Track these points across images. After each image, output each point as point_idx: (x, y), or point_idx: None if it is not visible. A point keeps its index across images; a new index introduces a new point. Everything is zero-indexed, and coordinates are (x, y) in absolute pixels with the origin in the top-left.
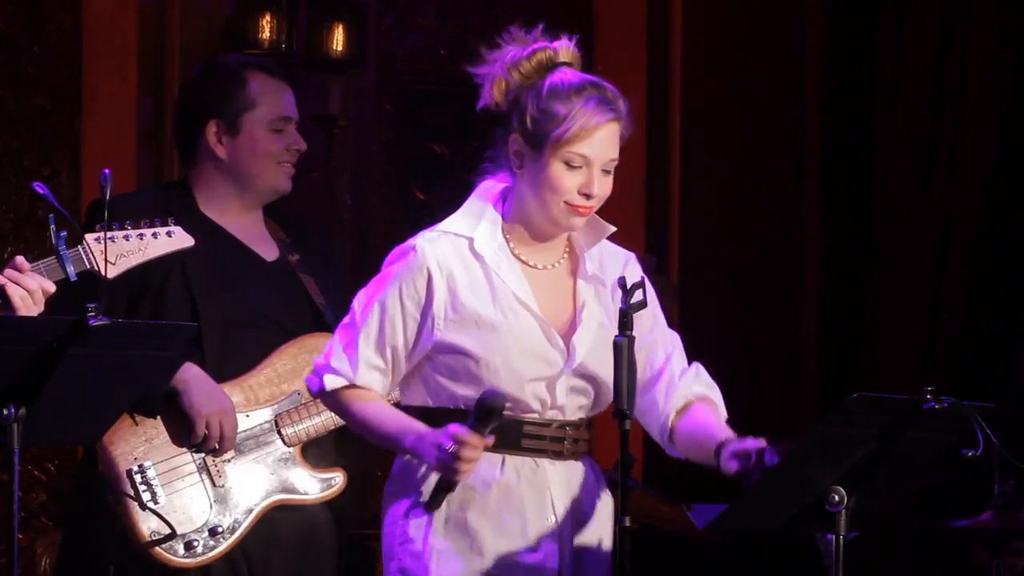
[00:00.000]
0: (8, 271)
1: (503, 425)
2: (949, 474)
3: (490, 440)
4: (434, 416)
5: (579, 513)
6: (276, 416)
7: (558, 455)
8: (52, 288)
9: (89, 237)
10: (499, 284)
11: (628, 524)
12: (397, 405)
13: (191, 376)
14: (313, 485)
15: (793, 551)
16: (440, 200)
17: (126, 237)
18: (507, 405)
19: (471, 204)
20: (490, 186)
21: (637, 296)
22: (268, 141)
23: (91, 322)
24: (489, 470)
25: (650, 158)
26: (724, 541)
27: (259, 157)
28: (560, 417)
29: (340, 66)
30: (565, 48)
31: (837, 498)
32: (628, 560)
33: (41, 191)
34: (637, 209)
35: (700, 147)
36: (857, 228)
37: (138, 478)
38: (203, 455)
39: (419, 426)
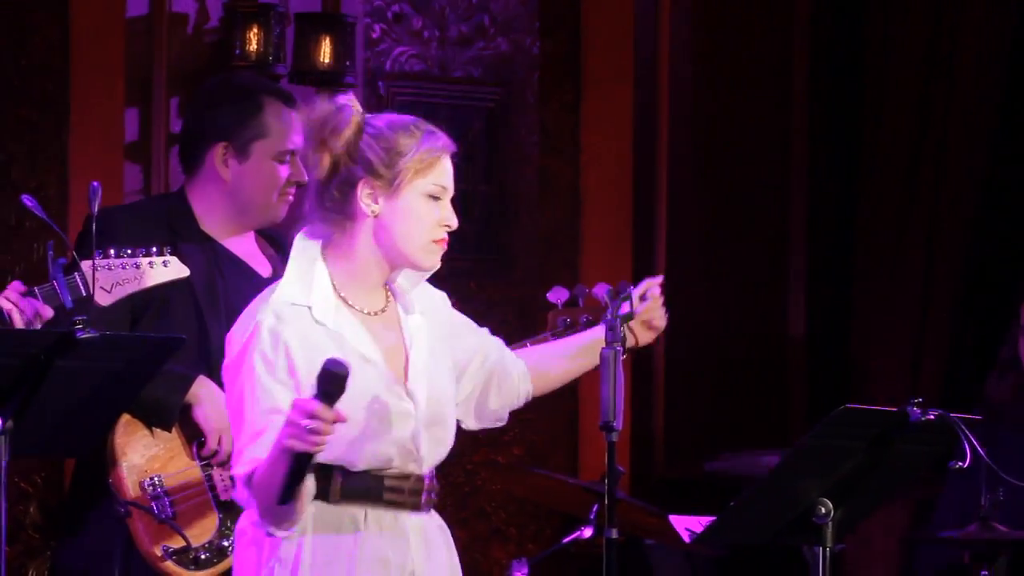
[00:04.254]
0: (7, 295)
1: (365, 482)
2: (937, 486)
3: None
4: None
5: (434, 564)
6: None
7: (416, 508)
8: (49, 314)
9: (86, 265)
10: (345, 347)
11: (615, 536)
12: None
13: (206, 391)
14: None
15: (780, 563)
16: None
17: (123, 266)
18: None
19: (299, 265)
20: (307, 238)
21: (624, 308)
22: (274, 171)
23: (78, 335)
24: (352, 524)
25: (637, 170)
26: (711, 553)
27: (263, 186)
28: (418, 471)
29: (327, 79)
30: (354, 100)
31: (824, 510)
32: (615, 571)
33: (29, 203)
34: (624, 221)
35: (687, 159)
36: (844, 242)
37: (150, 490)
38: (210, 470)
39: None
